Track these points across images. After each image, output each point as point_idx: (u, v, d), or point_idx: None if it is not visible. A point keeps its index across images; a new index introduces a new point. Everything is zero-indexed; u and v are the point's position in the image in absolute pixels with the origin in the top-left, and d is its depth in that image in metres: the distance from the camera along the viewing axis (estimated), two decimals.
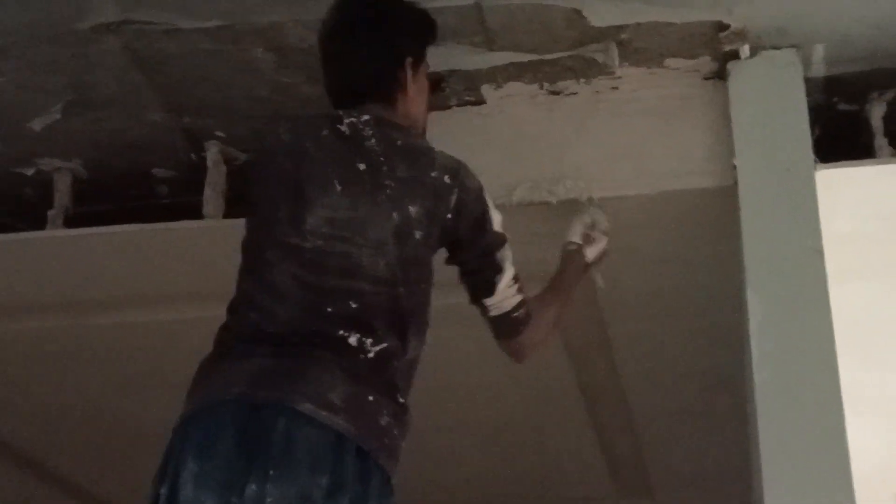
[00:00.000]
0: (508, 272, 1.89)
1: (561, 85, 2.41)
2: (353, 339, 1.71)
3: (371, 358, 1.71)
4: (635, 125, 2.37)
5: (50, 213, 2.67)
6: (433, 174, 1.81)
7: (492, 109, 2.45)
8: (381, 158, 1.81)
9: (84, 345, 3.00)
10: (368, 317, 1.73)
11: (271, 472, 1.59)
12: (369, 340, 1.72)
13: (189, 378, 1.77)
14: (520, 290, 1.91)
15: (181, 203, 2.75)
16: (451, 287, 2.67)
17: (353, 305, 1.73)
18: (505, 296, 1.89)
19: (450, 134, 2.44)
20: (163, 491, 1.64)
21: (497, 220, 1.88)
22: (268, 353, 1.70)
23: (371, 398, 1.69)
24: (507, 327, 1.93)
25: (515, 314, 1.91)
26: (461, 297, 2.70)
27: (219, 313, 2.74)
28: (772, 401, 1.98)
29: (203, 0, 2.19)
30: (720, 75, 2.35)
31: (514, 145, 2.42)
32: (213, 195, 2.59)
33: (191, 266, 2.66)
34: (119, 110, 2.50)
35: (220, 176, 2.61)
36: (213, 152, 2.62)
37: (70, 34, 2.27)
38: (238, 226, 2.46)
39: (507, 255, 1.89)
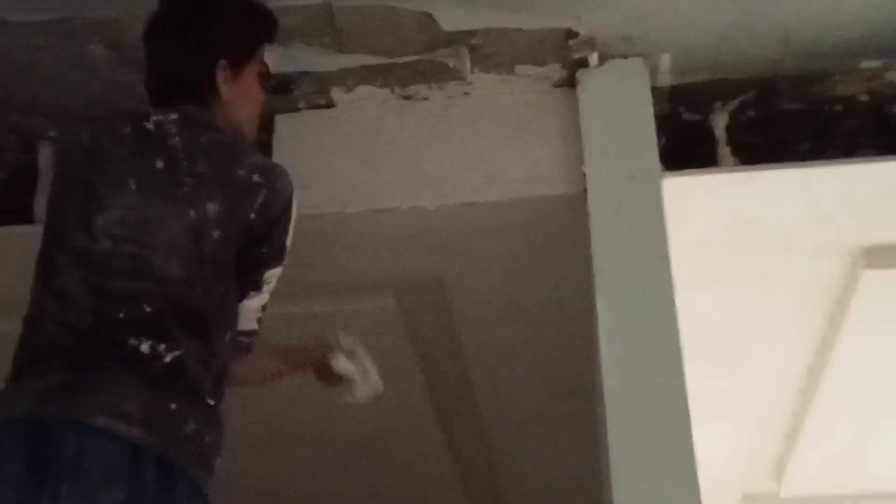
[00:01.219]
0: (263, 297, 1.81)
1: (413, 89, 2.38)
2: (145, 347, 1.63)
3: (168, 363, 1.63)
4: (486, 132, 2.35)
5: None
6: (240, 172, 1.74)
7: (342, 113, 2.40)
8: (182, 156, 1.73)
9: None
10: (163, 320, 1.65)
11: (64, 490, 1.50)
12: (163, 346, 1.64)
13: None
14: (259, 322, 1.83)
15: (13, 206, 2.60)
16: (293, 297, 2.62)
17: (147, 309, 1.65)
18: (244, 316, 1.80)
19: (299, 137, 2.39)
20: None
21: (289, 238, 1.81)
22: (58, 368, 1.61)
23: (173, 406, 1.61)
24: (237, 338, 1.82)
25: (240, 339, 1.80)
26: (303, 307, 2.65)
27: None
28: (620, 407, 1.98)
29: None
30: (570, 83, 2.36)
31: (366, 150, 2.37)
32: (45, 198, 2.44)
33: (20, 273, 2.51)
34: None
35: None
36: (45, 153, 2.48)
37: None
38: None
39: (272, 277, 1.81)
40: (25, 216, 2.46)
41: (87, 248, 1.68)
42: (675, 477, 1.91)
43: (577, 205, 2.25)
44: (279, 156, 2.36)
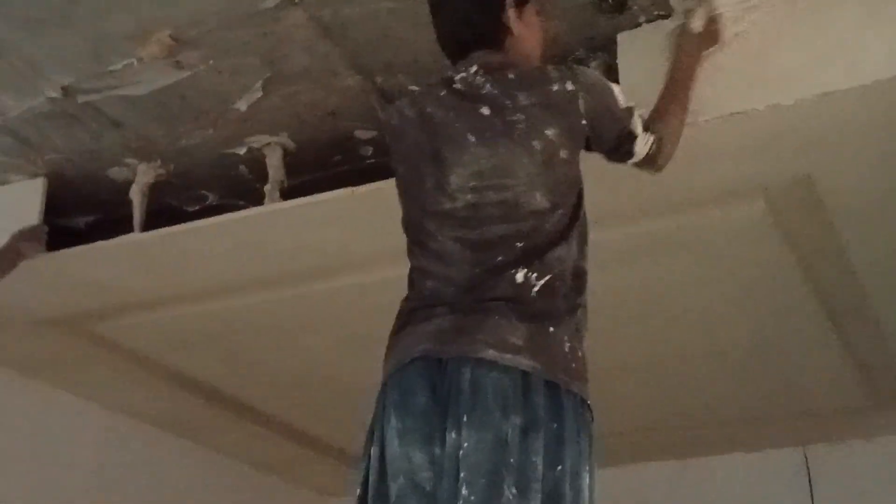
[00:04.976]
0: (640, 132, 1.94)
1: None
2: (519, 277, 1.74)
3: (539, 289, 1.74)
4: (838, 18, 2.20)
5: (266, 187, 2.78)
6: (554, 88, 1.82)
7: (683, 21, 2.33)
8: (502, 98, 1.82)
9: (308, 311, 3.12)
10: (533, 252, 1.75)
11: (465, 418, 1.63)
12: (534, 275, 1.74)
13: None
14: (648, 131, 1.96)
15: (387, 162, 2.79)
16: (662, 212, 2.61)
17: (519, 245, 1.76)
18: (641, 148, 1.96)
19: (643, 53, 2.36)
20: (373, 450, 1.73)
21: (621, 98, 1.91)
22: (446, 313, 1.75)
23: (550, 329, 1.72)
24: (645, 165, 2.00)
25: (649, 152, 1.97)
26: (672, 220, 2.66)
27: None
28: None
29: None
30: None
31: (712, 56, 2.30)
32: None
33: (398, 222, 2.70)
34: (314, 80, 2.57)
35: None
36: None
37: (256, 15, 2.34)
38: None
39: (635, 122, 1.93)
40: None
41: (451, 209, 1.81)
42: None
43: None
44: (625, 74, 2.35)
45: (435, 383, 1.69)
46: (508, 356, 1.66)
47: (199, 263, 2.90)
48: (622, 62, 2.38)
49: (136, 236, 2.83)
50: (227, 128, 2.75)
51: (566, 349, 1.72)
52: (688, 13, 2.22)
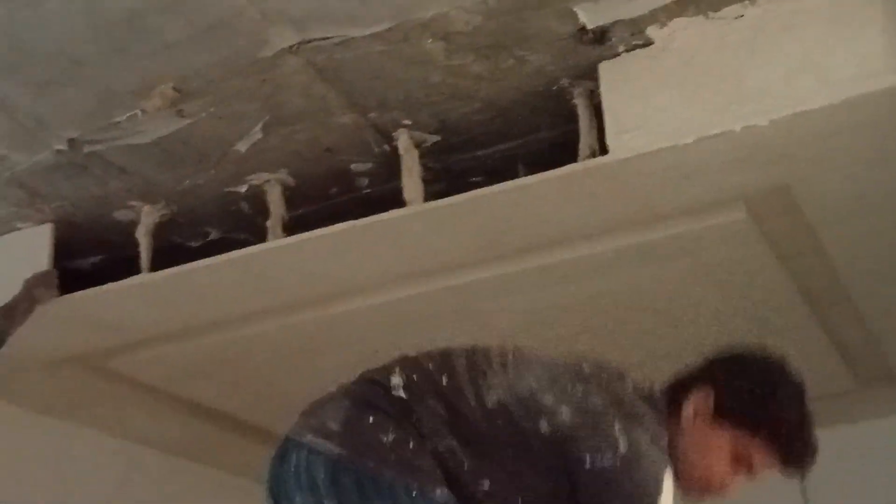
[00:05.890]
0: None
1: (725, 11, 2.39)
2: (395, 379, 1.79)
3: (393, 396, 1.76)
4: (808, 36, 2.32)
5: (268, 223, 2.89)
6: (615, 421, 1.71)
7: (661, 49, 2.45)
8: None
9: (317, 335, 3.23)
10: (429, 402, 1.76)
11: (297, 499, 1.72)
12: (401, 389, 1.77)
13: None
14: None
15: (382, 191, 2.92)
16: (648, 224, 2.72)
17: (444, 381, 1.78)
18: None
19: (624, 80, 2.49)
20: None
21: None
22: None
23: (372, 419, 1.73)
24: None
25: None
26: (660, 231, 2.77)
27: (425, 289, 2.93)
28: None
29: (369, 7, 2.32)
30: None
31: (689, 78, 2.42)
32: (410, 180, 2.73)
33: (399, 251, 2.82)
34: (311, 120, 2.68)
35: (414, 160, 2.75)
36: (403, 139, 2.76)
37: (255, 64, 2.45)
38: (438, 208, 2.64)
39: None
40: (395, 197, 2.75)
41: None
42: None
43: None
44: (608, 102, 2.48)
45: (276, 463, 1.79)
46: (320, 441, 1.72)
47: (207, 298, 3.00)
48: (605, 90, 2.50)
49: (145, 276, 2.93)
50: (227, 168, 2.85)
51: (386, 440, 1.70)
52: None
